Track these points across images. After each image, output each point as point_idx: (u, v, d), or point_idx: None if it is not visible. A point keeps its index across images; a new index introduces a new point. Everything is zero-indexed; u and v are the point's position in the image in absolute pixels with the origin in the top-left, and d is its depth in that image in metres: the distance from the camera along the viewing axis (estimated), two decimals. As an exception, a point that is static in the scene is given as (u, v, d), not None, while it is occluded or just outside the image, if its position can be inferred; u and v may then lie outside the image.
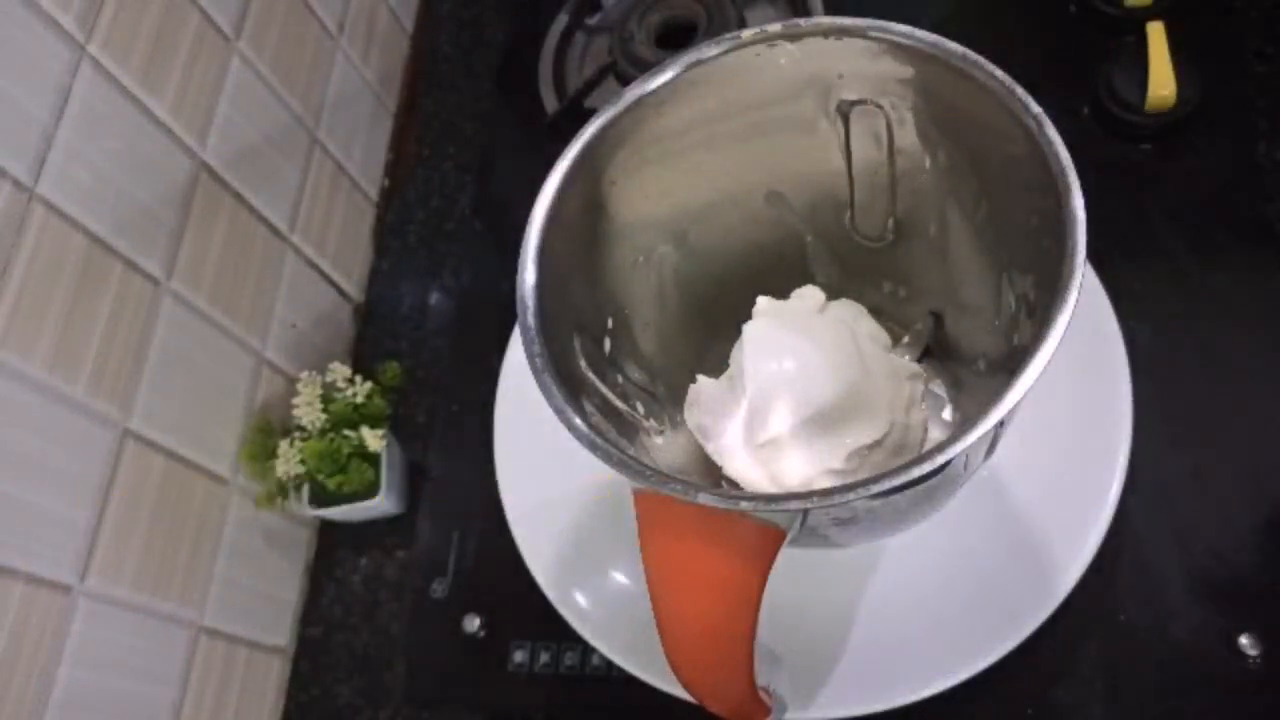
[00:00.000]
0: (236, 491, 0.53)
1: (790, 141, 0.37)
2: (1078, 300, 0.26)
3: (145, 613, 0.46)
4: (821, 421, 0.36)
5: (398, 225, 0.67)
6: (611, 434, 0.32)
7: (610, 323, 0.38)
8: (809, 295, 0.40)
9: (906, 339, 0.42)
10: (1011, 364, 0.27)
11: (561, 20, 0.64)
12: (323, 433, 0.53)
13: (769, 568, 0.29)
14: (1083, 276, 0.26)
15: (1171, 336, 0.45)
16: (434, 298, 0.63)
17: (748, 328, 0.38)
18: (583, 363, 0.35)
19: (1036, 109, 0.29)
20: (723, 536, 0.29)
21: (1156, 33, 0.49)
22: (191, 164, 0.50)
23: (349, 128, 0.65)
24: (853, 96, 0.35)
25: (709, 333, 0.41)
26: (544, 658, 0.46)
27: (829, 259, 0.42)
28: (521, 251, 0.33)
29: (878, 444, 0.36)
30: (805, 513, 0.29)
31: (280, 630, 0.55)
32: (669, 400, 0.40)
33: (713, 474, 0.39)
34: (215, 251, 0.52)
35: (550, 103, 0.61)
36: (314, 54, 0.61)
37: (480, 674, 0.47)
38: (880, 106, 0.35)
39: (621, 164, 0.36)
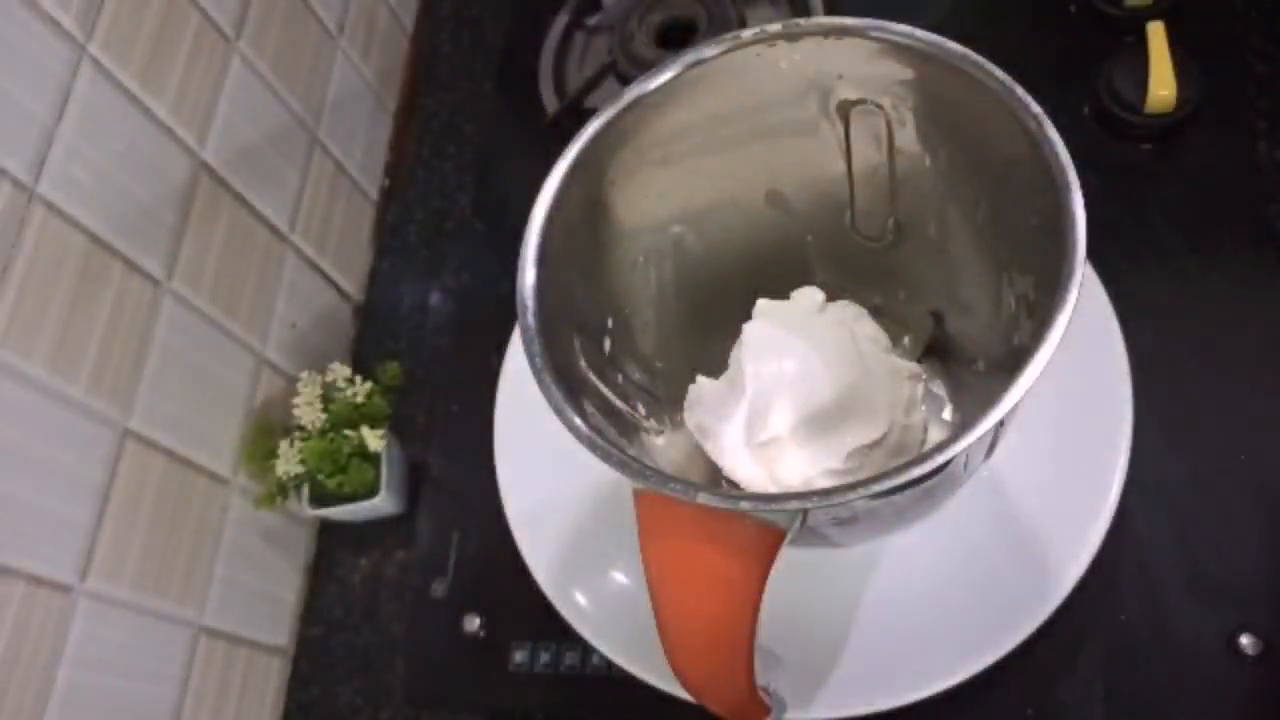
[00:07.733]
0: (236, 491, 0.53)
1: (790, 142, 0.37)
2: (1078, 300, 0.26)
3: (145, 612, 0.46)
4: (821, 421, 0.36)
5: (398, 225, 0.66)
6: (611, 434, 0.32)
7: (610, 323, 0.38)
8: (809, 295, 0.40)
9: (906, 339, 0.42)
10: (1011, 364, 0.27)
11: (561, 20, 0.64)
12: (323, 433, 0.53)
13: (769, 568, 0.29)
14: (1083, 276, 0.26)
15: (1171, 336, 0.45)
16: (434, 298, 0.63)
17: (748, 328, 0.38)
18: (583, 363, 0.34)
19: (1036, 109, 0.29)
20: (723, 536, 0.29)
21: (1156, 33, 0.49)
22: (192, 164, 0.50)
23: (349, 128, 0.65)
24: (853, 97, 0.35)
25: (709, 333, 0.41)
26: (544, 658, 0.46)
27: (829, 259, 0.42)
28: (521, 251, 0.33)
29: (877, 444, 0.36)
30: (805, 513, 0.29)
31: (280, 630, 0.55)
32: (669, 400, 0.40)
33: (713, 474, 0.39)
34: (215, 251, 0.52)
35: (550, 103, 0.61)
36: (314, 54, 0.61)
37: (480, 674, 0.47)
38: (880, 107, 0.35)
39: (622, 164, 0.36)
